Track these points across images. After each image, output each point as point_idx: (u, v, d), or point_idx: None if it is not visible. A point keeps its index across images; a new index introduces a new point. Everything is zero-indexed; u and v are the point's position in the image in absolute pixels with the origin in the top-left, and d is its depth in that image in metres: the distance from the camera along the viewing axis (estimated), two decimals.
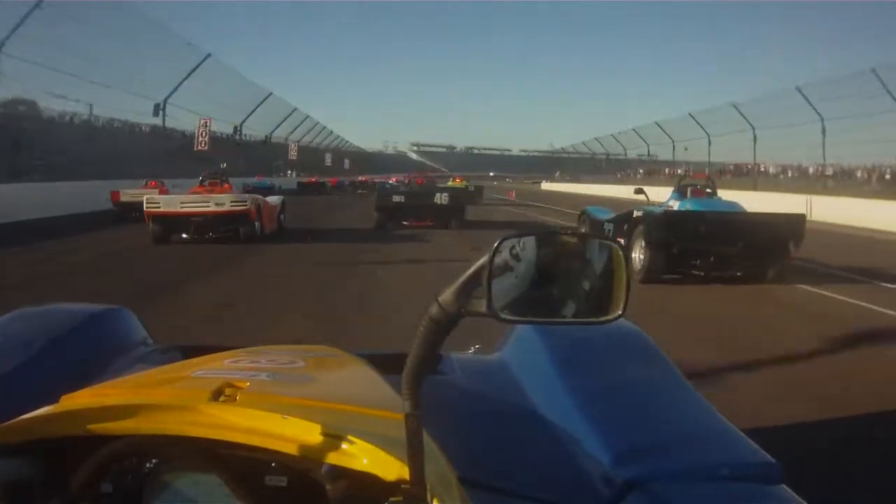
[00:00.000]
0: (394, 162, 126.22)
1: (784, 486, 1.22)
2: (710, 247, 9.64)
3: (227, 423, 0.94)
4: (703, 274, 9.76)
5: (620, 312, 0.84)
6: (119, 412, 0.95)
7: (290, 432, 0.92)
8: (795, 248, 9.69)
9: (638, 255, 9.81)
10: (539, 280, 0.83)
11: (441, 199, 17.51)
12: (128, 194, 18.01)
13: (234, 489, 0.90)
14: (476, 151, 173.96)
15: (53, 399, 1.03)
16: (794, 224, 9.79)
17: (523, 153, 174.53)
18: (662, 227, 9.61)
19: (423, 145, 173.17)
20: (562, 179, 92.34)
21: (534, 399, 1.55)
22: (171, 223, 13.38)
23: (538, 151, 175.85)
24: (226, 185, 14.62)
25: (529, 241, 0.83)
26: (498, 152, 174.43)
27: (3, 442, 0.92)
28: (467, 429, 1.32)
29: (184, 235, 13.51)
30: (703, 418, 1.47)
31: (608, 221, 11.54)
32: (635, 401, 1.54)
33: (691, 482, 1.23)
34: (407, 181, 28.21)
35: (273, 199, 15.77)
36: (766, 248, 9.80)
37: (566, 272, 0.86)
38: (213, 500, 0.91)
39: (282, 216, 15.90)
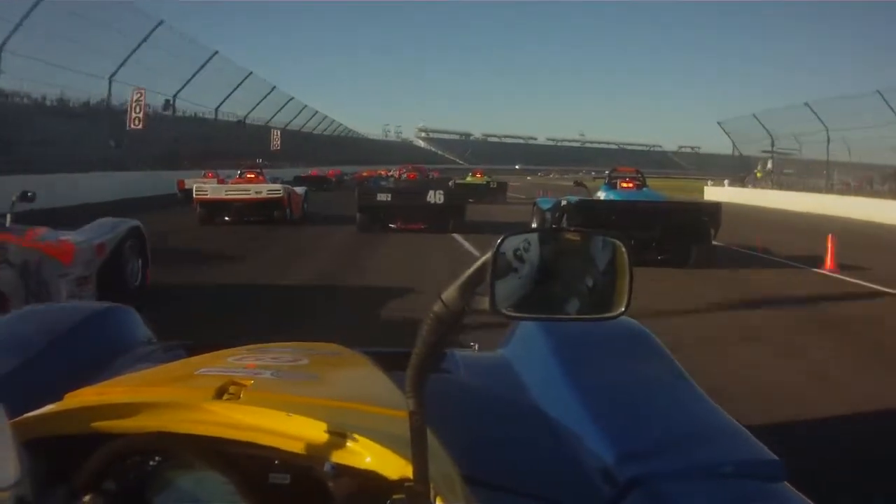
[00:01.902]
0: (397, 150, 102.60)
1: (787, 483, 1.22)
2: (629, 233, 10.79)
3: (231, 422, 0.94)
4: None
5: (623, 309, 0.84)
6: (123, 410, 0.96)
7: (294, 430, 0.93)
8: (715, 234, 10.60)
9: None
10: (542, 277, 0.83)
11: (435, 197, 14.58)
12: (189, 182, 20.36)
13: (237, 487, 0.90)
14: (496, 140, 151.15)
15: (57, 397, 1.04)
16: (711, 212, 10.73)
17: (551, 142, 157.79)
18: (577, 214, 10.54)
19: (433, 131, 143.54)
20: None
21: (537, 396, 1.55)
22: (216, 208, 15.61)
23: (568, 141, 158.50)
24: (261, 177, 16.94)
25: (532, 239, 0.83)
26: (522, 141, 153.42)
27: None
28: (470, 426, 1.32)
29: (226, 218, 15.64)
30: (706, 416, 1.47)
31: (547, 211, 12.22)
32: (638, 398, 1.53)
33: (694, 480, 1.22)
34: (398, 175, 21.49)
35: (299, 190, 17.86)
36: (685, 234, 10.42)
37: (569, 269, 0.86)
38: (217, 497, 0.91)
39: (305, 205, 17.81)
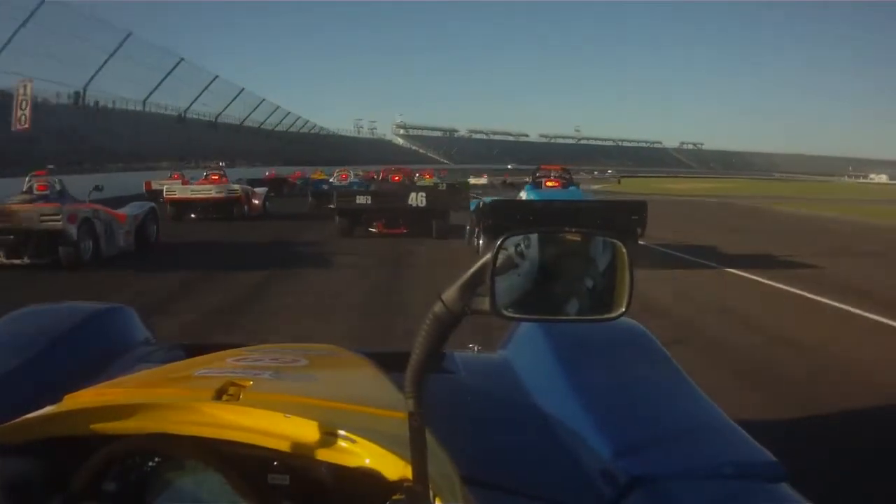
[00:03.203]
0: (373, 149, 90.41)
1: (786, 484, 1.22)
2: None
3: (230, 423, 0.94)
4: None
5: (624, 310, 0.84)
6: (122, 412, 0.96)
7: (293, 431, 0.93)
8: (641, 233, 10.31)
9: (478, 240, 11.21)
10: (542, 278, 0.83)
11: (417, 200, 14.07)
12: (157, 183, 22.44)
13: (236, 488, 0.90)
14: (483, 137, 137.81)
15: (56, 398, 1.04)
16: (636, 210, 10.47)
17: (544, 139, 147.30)
18: (489, 214, 10.57)
19: (413, 128, 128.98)
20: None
21: (537, 397, 1.55)
22: (183, 206, 18.06)
23: (562, 137, 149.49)
24: (224, 178, 19.37)
25: (533, 239, 0.83)
26: (512, 138, 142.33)
27: (7, 442, 0.93)
28: (470, 427, 1.32)
29: (192, 215, 18.10)
30: (705, 416, 1.47)
31: (472, 211, 12.20)
32: (638, 398, 1.54)
33: (694, 480, 1.23)
34: (380, 177, 20.57)
35: (259, 190, 20.44)
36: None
37: (569, 270, 0.86)
38: (216, 498, 0.91)
39: (267, 203, 20.29)
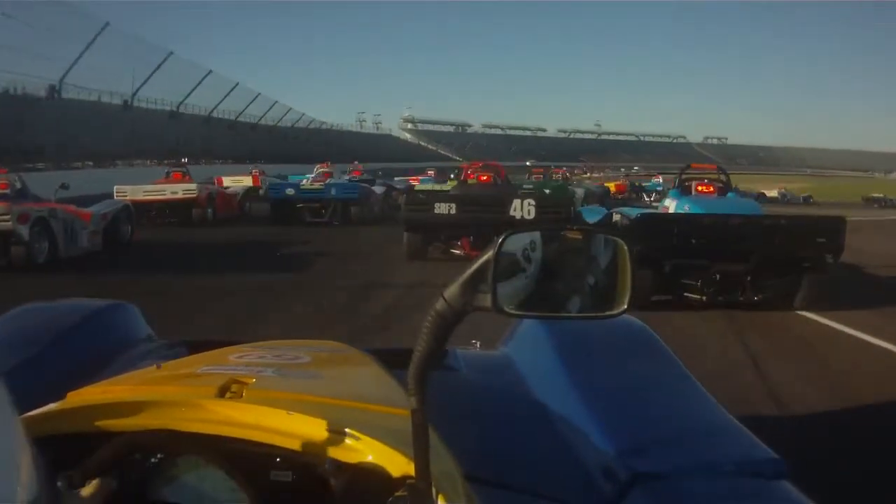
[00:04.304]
0: (375, 145, 79.62)
1: (787, 481, 1.22)
2: (713, 262, 7.07)
3: (233, 420, 0.95)
4: (703, 298, 7.17)
5: (625, 307, 0.83)
6: (125, 409, 0.96)
7: (296, 428, 0.93)
8: (835, 260, 7.20)
9: None
10: (544, 275, 0.83)
11: (523, 209, 9.71)
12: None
13: (239, 484, 0.91)
14: (499, 132, 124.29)
15: (59, 396, 1.04)
16: (829, 230, 7.25)
17: (563, 134, 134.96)
18: (639, 233, 7.23)
19: (422, 122, 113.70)
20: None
21: (538, 394, 1.55)
22: (138, 209, 15.17)
23: (582, 132, 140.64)
24: (187, 177, 17.13)
25: (535, 237, 0.83)
26: (530, 133, 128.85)
27: None
28: (473, 424, 1.33)
29: (159, 220, 16.00)
30: (707, 414, 1.47)
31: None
32: (639, 396, 1.54)
33: (695, 477, 1.23)
34: (465, 175, 14.57)
35: (234, 188, 18.72)
36: (790, 263, 7.20)
37: (571, 267, 0.86)
38: (219, 494, 0.92)
39: (247, 204, 18.32)
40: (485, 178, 13.14)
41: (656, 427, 1.40)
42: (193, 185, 16.19)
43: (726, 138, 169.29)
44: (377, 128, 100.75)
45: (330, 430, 0.93)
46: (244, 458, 0.93)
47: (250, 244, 12.47)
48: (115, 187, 15.87)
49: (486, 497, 1.02)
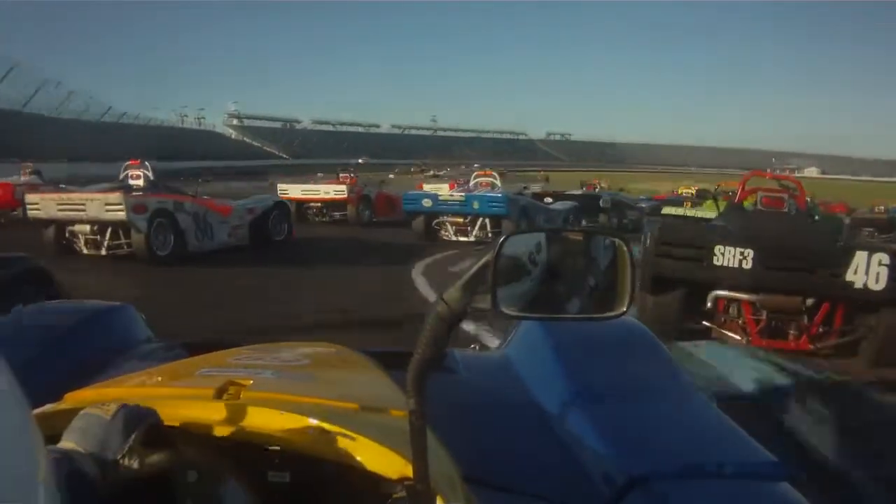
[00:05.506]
0: (199, 141, 70.87)
1: (786, 484, 1.23)
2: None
3: (231, 421, 0.95)
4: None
5: (625, 309, 0.84)
6: None
7: (294, 430, 0.93)
8: None
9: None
10: (544, 276, 0.84)
11: (869, 273, 4.85)
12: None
13: (237, 486, 0.91)
14: (330, 128, 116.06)
15: (57, 397, 1.04)
16: None
17: (397, 130, 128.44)
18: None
19: (248, 117, 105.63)
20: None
21: (538, 396, 1.55)
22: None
23: (416, 128, 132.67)
24: (351, 178, 17.34)
25: (535, 238, 0.84)
26: (362, 129, 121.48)
27: None
28: (471, 426, 1.32)
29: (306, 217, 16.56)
30: (705, 417, 1.48)
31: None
32: (638, 398, 1.54)
33: (693, 480, 1.23)
34: (741, 194, 6.72)
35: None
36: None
37: (571, 269, 0.87)
38: (217, 496, 0.91)
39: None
40: (778, 203, 6.14)
41: (655, 430, 1.40)
42: (343, 187, 16.48)
43: (570, 134, 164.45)
44: (200, 123, 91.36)
45: (328, 432, 0.93)
46: (242, 460, 0.93)
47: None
48: (277, 185, 16.80)
49: (485, 499, 1.03)
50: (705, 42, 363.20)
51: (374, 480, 0.89)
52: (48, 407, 0.99)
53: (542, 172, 59.43)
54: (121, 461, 0.81)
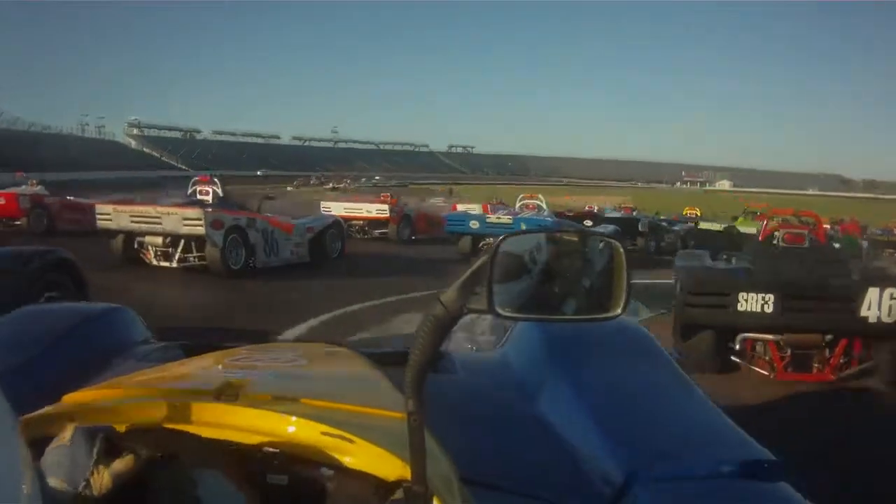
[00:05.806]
0: (97, 152, 68.81)
1: (786, 483, 1.23)
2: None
3: (229, 423, 0.95)
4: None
5: (620, 311, 0.84)
6: (120, 411, 0.96)
7: (292, 431, 0.93)
8: None
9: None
10: (540, 278, 0.83)
11: (882, 306, 5.14)
12: None
13: (235, 487, 0.90)
14: (230, 138, 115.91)
15: (55, 399, 1.04)
16: None
17: (297, 142, 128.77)
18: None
19: (150, 127, 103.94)
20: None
21: (535, 397, 1.55)
22: None
23: (317, 140, 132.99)
24: (391, 198, 18.46)
25: (531, 240, 0.84)
26: (262, 140, 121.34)
27: None
28: (469, 427, 1.32)
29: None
30: (704, 416, 1.48)
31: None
32: (636, 398, 1.54)
33: (693, 480, 1.23)
34: (765, 230, 7.20)
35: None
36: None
37: (567, 270, 0.86)
38: (215, 498, 0.90)
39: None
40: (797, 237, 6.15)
41: (653, 429, 1.40)
42: (385, 206, 17.12)
43: (472, 147, 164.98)
44: (100, 132, 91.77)
45: (326, 433, 0.93)
46: (240, 461, 0.93)
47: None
48: (321, 203, 17.39)
49: (483, 500, 1.02)
50: (613, 53, 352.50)
51: (372, 482, 0.89)
52: (45, 409, 0.99)
53: (444, 187, 60.02)
54: (91, 480, 0.81)
